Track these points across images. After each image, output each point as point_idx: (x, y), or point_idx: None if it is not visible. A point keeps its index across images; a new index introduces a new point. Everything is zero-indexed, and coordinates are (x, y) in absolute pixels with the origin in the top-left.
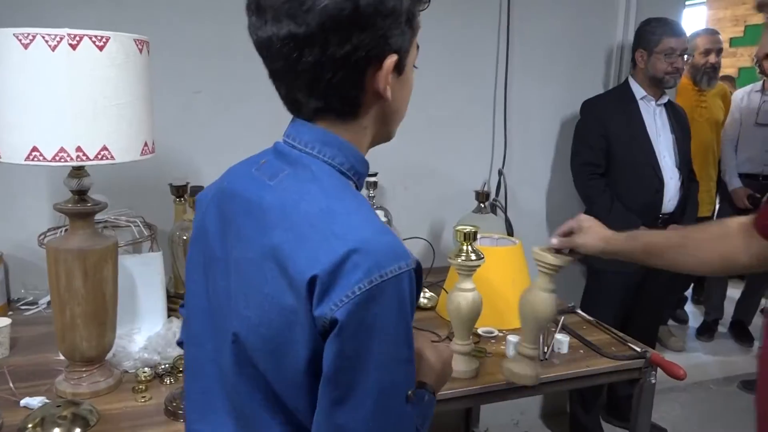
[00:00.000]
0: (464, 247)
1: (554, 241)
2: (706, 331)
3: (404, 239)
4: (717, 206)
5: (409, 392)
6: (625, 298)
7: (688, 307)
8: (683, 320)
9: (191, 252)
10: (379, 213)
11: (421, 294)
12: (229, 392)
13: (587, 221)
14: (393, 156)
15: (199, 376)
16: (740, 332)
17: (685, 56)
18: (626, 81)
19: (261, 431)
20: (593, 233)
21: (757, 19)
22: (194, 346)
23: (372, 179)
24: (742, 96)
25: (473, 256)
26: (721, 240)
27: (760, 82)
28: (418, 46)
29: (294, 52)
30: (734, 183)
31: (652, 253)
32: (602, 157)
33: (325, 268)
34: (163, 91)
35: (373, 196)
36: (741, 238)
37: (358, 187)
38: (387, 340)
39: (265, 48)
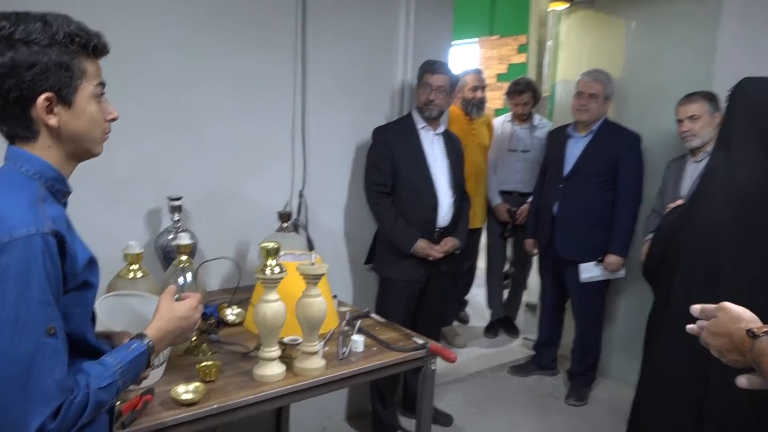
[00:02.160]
0: (268, 262)
1: None
2: (491, 329)
3: (210, 260)
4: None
5: (49, 327)
6: (411, 301)
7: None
8: (465, 321)
9: None
10: (185, 235)
11: (229, 311)
12: None
13: None
14: (197, 181)
15: None
16: (509, 326)
17: (446, 92)
18: (410, 112)
19: None
20: None
21: (518, 59)
22: None
23: (176, 203)
24: (497, 126)
25: (277, 270)
26: None
27: (510, 114)
28: (103, 84)
29: None
30: (496, 200)
31: None
32: (389, 178)
33: None
34: None
35: (178, 220)
36: None
37: (54, 187)
38: (17, 283)
39: None
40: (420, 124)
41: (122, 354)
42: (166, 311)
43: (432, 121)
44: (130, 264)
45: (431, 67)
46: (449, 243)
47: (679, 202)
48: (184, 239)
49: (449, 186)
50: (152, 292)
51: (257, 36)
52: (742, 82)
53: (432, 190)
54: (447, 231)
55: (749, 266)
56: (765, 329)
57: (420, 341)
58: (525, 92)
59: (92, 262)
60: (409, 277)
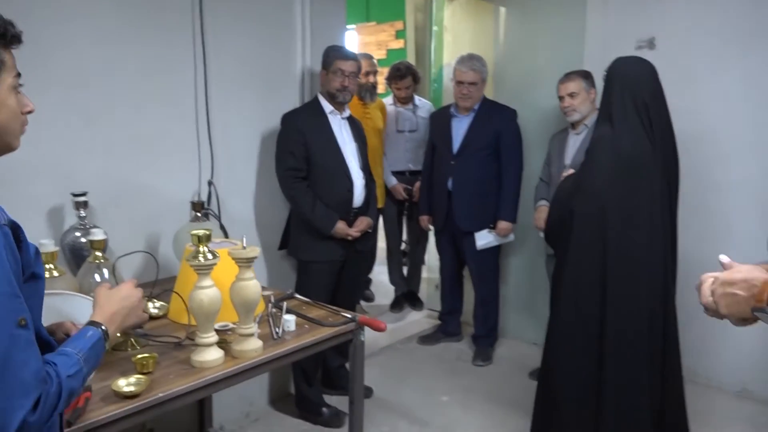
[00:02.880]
0: (200, 249)
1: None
2: (397, 304)
3: (127, 254)
4: None
5: (20, 319)
6: (331, 281)
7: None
8: (371, 299)
9: None
10: (98, 231)
11: (151, 304)
12: None
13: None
14: (101, 175)
15: None
16: (413, 300)
17: (356, 76)
18: (316, 97)
19: None
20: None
21: (396, 44)
22: None
23: (81, 199)
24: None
25: (209, 256)
26: None
27: (392, 97)
28: (19, 75)
29: None
30: (391, 181)
31: None
32: (303, 162)
33: None
34: None
35: (84, 216)
36: None
37: None
38: None
39: None
40: (327, 108)
41: (81, 342)
42: (104, 297)
43: (339, 105)
44: (45, 263)
45: (341, 53)
46: (364, 222)
47: (571, 171)
48: (98, 235)
49: (359, 167)
50: (71, 290)
51: (153, 18)
52: (615, 61)
53: (346, 172)
54: (360, 211)
55: (634, 223)
56: None
57: (348, 315)
58: (406, 76)
59: (38, 253)
60: (329, 257)
